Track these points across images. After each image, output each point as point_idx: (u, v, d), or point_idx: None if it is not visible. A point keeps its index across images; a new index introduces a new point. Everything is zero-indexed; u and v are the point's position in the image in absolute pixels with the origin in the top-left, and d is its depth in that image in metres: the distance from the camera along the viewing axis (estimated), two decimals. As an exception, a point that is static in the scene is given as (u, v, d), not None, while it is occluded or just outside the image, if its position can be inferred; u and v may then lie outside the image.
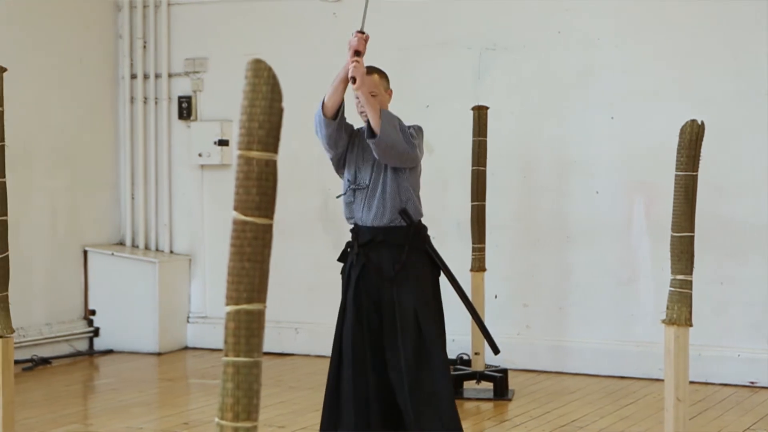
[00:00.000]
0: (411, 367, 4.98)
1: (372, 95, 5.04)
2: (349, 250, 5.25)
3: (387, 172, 5.14)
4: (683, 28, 7.53)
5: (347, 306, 5.14)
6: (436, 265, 5.21)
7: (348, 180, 5.23)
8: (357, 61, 4.94)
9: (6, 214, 4.47)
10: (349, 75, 4.95)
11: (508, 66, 7.97)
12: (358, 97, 5.07)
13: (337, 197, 5.33)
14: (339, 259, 5.30)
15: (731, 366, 7.36)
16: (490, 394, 6.94)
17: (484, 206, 7.22)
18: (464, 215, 7.37)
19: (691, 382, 4.80)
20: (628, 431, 6.17)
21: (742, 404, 6.83)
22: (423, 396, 4.97)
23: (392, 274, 5.09)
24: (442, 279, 5.24)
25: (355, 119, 5.24)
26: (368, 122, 5.07)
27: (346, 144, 5.19)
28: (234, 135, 8.72)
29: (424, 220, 5.27)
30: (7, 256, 4.48)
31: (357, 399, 5.03)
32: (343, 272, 5.26)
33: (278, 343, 8.46)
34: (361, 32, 5.00)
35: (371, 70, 5.14)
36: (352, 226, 5.25)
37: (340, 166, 5.28)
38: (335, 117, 5.07)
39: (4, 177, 4.47)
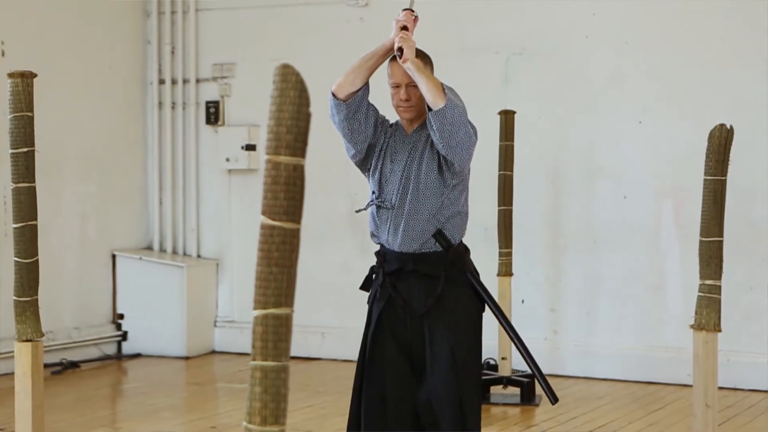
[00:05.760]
0: (447, 427, 4.21)
1: (411, 85, 4.21)
2: (373, 277, 4.34)
3: (421, 186, 4.25)
4: (711, 31, 7.49)
5: (366, 349, 4.29)
6: (479, 297, 4.32)
7: (373, 192, 4.32)
8: (405, 35, 4.18)
9: (36, 219, 4.49)
10: (395, 46, 4.16)
11: (535, 71, 7.95)
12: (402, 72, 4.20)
13: (357, 212, 4.48)
14: (362, 287, 4.38)
15: (760, 372, 7.30)
16: (517, 399, 6.92)
17: (511, 211, 7.21)
18: (491, 220, 7.35)
19: (720, 388, 4.78)
20: (657, 437, 6.15)
21: (772, 410, 6.80)
22: None
23: (423, 311, 4.22)
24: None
25: (389, 114, 4.47)
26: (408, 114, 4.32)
27: (370, 138, 4.28)
28: (261, 140, 8.74)
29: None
30: (37, 260, 4.50)
31: None
32: (368, 302, 4.35)
33: (305, 347, 8.47)
34: (410, 10, 4.31)
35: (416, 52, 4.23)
36: (377, 247, 4.36)
37: (365, 167, 4.36)
38: (348, 99, 4.20)
39: (33, 182, 4.49)
